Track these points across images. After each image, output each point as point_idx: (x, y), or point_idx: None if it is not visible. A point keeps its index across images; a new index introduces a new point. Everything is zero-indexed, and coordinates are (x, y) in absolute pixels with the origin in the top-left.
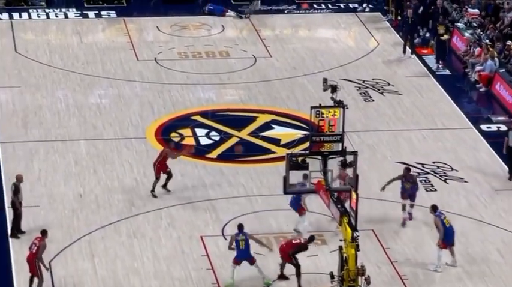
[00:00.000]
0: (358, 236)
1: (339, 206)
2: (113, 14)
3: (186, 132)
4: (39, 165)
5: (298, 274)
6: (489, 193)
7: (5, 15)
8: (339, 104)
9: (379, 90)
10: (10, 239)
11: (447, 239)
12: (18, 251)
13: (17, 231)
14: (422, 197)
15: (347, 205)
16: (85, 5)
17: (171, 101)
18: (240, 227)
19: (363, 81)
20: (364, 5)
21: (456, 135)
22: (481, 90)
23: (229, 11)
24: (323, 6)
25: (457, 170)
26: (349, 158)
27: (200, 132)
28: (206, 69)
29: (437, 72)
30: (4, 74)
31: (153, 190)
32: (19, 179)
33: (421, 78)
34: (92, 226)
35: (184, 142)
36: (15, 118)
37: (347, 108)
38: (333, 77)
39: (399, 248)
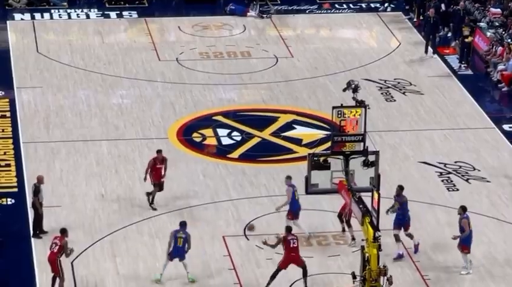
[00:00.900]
0: (380, 236)
1: (361, 206)
2: (134, 14)
3: (208, 132)
4: (60, 165)
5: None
6: (511, 193)
7: (27, 16)
8: (361, 103)
9: (401, 90)
10: (32, 240)
11: (469, 242)
12: (40, 251)
13: (39, 231)
14: (445, 197)
15: (369, 204)
16: (107, 5)
17: (192, 101)
18: (183, 224)
19: (385, 81)
20: (386, 4)
21: (478, 135)
22: (504, 89)
23: (250, 10)
24: (344, 6)
25: (479, 170)
26: (371, 158)
27: (222, 132)
28: (228, 70)
29: (459, 72)
30: (26, 75)
31: (151, 203)
32: (40, 180)
33: (443, 78)
34: (114, 226)
35: (206, 142)
36: (37, 118)
37: (369, 108)
38: (355, 77)
39: (421, 248)
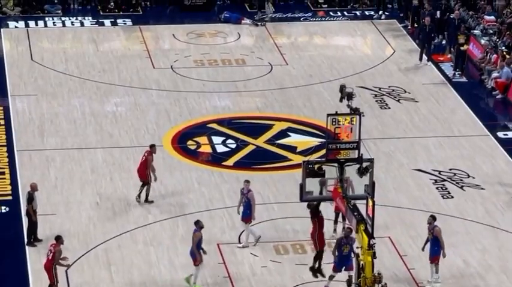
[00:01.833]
0: (374, 243)
1: (355, 213)
2: (128, 22)
3: (203, 140)
4: (55, 173)
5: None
6: (506, 200)
7: (21, 24)
8: (355, 111)
9: (395, 97)
10: (27, 248)
11: (440, 252)
12: (35, 259)
13: (33, 239)
14: (440, 204)
15: (363, 212)
16: (101, 13)
17: (187, 108)
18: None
19: (380, 89)
20: (380, 12)
21: (473, 143)
22: (498, 97)
23: (245, 18)
24: (339, 13)
25: (473, 177)
26: (365, 164)
27: (216, 140)
28: (222, 77)
29: (453, 80)
30: (20, 82)
31: (146, 199)
32: (33, 187)
33: (438, 85)
34: (109, 234)
35: (200, 150)
36: (31, 126)
37: (363, 115)
38: (349, 84)
39: (416, 256)
